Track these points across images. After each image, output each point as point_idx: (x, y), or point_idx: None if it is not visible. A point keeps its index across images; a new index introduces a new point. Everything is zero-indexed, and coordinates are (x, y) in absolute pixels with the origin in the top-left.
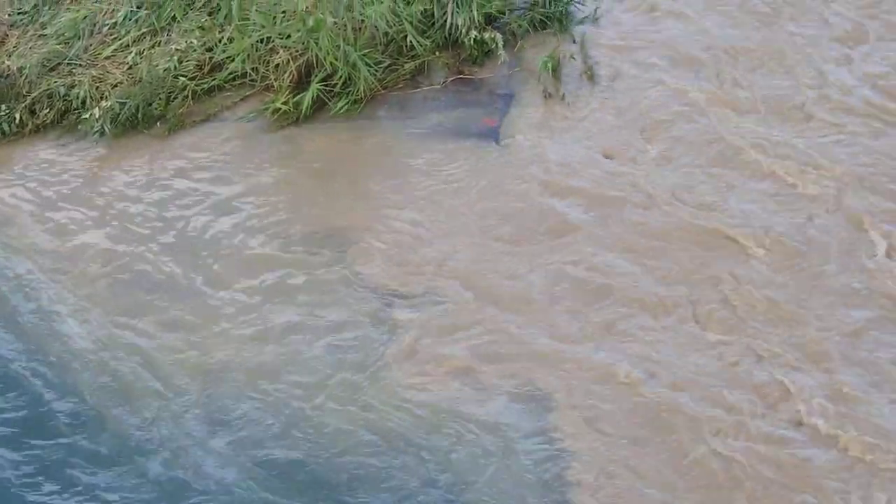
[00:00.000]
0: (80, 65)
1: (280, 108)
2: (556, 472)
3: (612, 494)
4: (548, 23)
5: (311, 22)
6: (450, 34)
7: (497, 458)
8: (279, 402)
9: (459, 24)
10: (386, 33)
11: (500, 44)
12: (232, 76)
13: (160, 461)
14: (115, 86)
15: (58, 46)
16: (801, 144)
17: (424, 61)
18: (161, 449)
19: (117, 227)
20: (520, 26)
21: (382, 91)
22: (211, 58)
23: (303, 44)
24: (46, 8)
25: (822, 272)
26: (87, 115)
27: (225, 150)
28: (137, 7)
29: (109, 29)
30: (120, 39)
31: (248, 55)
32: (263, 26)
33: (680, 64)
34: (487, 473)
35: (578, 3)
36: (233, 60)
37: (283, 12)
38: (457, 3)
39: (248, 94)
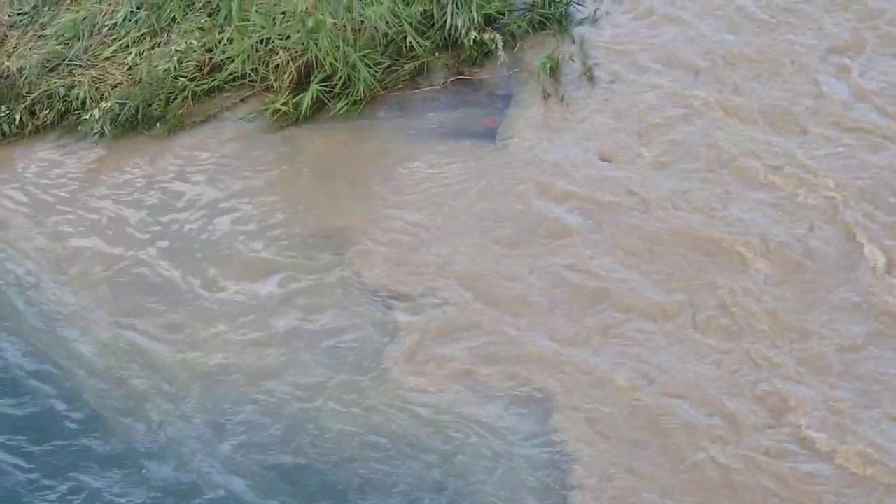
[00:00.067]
0: (80, 65)
1: (280, 109)
2: (558, 476)
3: (612, 497)
4: (547, 24)
5: (310, 23)
6: (449, 35)
7: (502, 460)
8: (282, 404)
9: (459, 24)
10: (385, 34)
11: (500, 45)
12: (232, 77)
13: (165, 465)
14: (115, 86)
15: (58, 47)
16: (800, 154)
17: (424, 62)
18: (166, 452)
19: (117, 228)
20: (519, 27)
21: (382, 92)
22: (211, 59)
23: (302, 45)
24: (46, 8)
25: (821, 285)
26: (87, 116)
27: (225, 150)
28: (137, 8)
29: (109, 30)
30: (120, 40)
31: (248, 56)
32: (263, 27)
33: (678, 68)
34: (491, 476)
35: (578, 4)
36: (232, 61)
37: (283, 13)
38: (456, 4)
39: (247, 94)
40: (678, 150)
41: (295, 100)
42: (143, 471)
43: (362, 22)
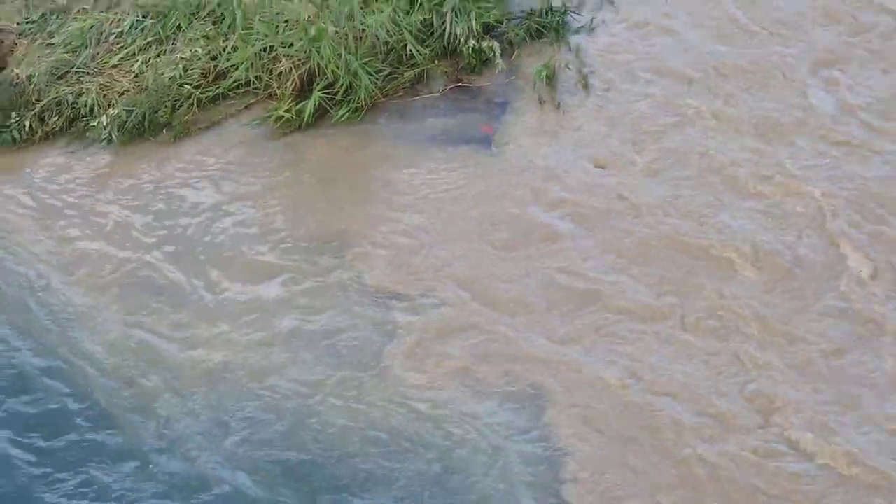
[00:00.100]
0: (88, 73)
1: (283, 116)
2: (553, 470)
3: (605, 490)
4: (544, 32)
5: (313, 31)
6: (448, 43)
7: (498, 455)
8: (285, 402)
9: (458, 33)
10: (386, 42)
11: (498, 53)
12: (236, 84)
13: (173, 460)
14: (122, 94)
15: (66, 55)
16: (789, 164)
17: (424, 70)
18: (173, 448)
19: (124, 232)
20: (517, 35)
21: (383, 99)
22: (215, 66)
23: (305, 53)
24: (54, 17)
25: (808, 291)
26: (95, 123)
27: (229, 156)
28: (143, 16)
29: (116, 38)
30: (126, 48)
31: (252, 64)
32: (266, 35)
33: (671, 77)
34: (489, 470)
35: (574, 13)
36: (237, 69)
37: (286, 22)
38: (455, 13)
39: (251, 102)
40: (670, 157)
41: (298, 107)
42: (151, 466)
43: (363, 30)
